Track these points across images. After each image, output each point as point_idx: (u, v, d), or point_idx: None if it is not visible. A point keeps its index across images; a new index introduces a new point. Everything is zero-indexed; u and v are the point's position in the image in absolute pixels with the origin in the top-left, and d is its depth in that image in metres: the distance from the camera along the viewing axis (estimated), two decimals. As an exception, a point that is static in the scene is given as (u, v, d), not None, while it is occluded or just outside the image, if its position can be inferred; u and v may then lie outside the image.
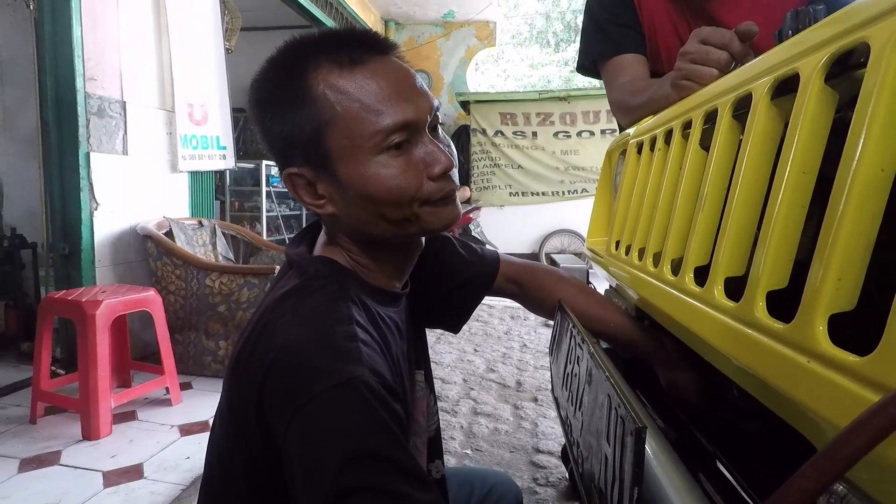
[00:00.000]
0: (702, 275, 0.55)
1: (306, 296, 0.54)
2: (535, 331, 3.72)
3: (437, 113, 0.57)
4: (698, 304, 0.52)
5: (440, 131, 0.59)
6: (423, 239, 0.65)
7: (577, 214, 5.76)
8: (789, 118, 0.43)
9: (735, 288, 0.48)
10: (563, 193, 6.05)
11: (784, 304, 0.41)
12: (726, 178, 0.54)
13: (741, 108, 0.54)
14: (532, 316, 4.13)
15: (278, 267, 2.47)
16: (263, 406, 0.48)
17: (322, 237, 0.64)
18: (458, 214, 0.59)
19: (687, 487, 0.38)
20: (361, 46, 0.54)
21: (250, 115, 0.59)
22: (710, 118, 0.61)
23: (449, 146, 0.58)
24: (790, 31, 0.53)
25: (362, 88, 0.52)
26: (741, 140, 0.52)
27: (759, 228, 0.45)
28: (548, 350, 0.94)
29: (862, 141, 0.33)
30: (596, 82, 1.35)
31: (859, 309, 0.34)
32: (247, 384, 0.50)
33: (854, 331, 0.36)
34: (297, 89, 0.54)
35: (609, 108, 1.24)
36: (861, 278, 0.33)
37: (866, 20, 0.35)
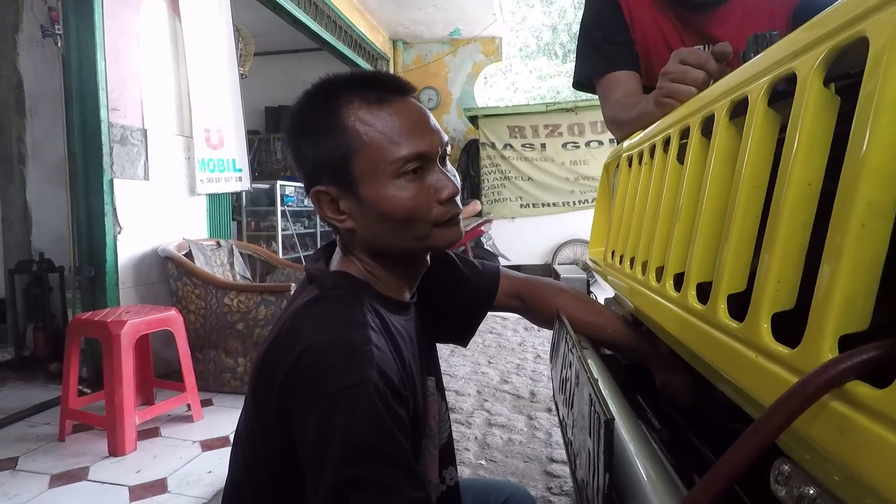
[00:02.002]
0: (680, 282, 0.59)
1: (326, 304, 0.62)
2: (549, 342, 3.73)
3: (447, 147, 0.67)
4: (675, 309, 0.57)
5: (448, 163, 0.68)
6: (428, 257, 0.73)
7: (589, 224, 5.74)
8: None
9: (706, 294, 0.52)
10: (574, 203, 6.08)
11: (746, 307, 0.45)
12: (698, 191, 0.59)
13: (709, 126, 0.58)
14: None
15: (293, 284, 2.54)
16: (285, 397, 0.55)
17: (338, 252, 0.72)
18: (461, 234, 0.69)
19: (656, 472, 0.42)
20: (386, 88, 0.64)
21: (285, 139, 0.69)
22: (685, 134, 0.65)
23: (454, 175, 0.67)
24: (752, 54, 0.57)
25: (386, 123, 0.62)
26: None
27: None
28: (549, 358, 0.98)
29: (792, 159, 0.37)
30: None
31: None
32: (271, 379, 0.57)
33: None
34: (330, 120, 0.63)
35: None
36: (796, 280, 0.37)
37: (795, 52, 0.40)
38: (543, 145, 6.04)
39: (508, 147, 6.10)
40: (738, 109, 0.51)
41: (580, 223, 5.96)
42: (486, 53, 6.63)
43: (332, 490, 0.48)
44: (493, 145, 6.13)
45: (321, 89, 0.66)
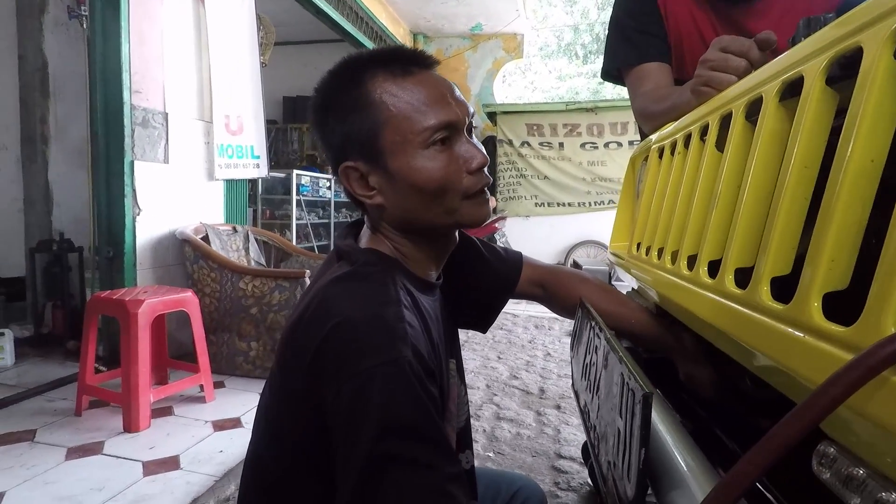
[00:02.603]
0: (714, 269, 0.58)
1: (359, 280, 0.61)
2: (560, 340, 3.72)
3: (473, 119, 0.66)
4: (710, 295, 0.56)
5: (474, 135, 0.67)
6: (456, 235, 0.72)
7: (604, 226, 5.72)
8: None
9: (744, 279, 0.51)
10: (590, 205, 6.04)
11: (787, 293, 0.44)
12: (739, 177, 0.58)
13: (754, 111, 0.57)
14: (556, 326, 4.12)
15: (308, 271, 2.55)
16: (315, 370, 0.54)
17: (366, 230, 0.71)
18: (489, 215, 0.68)
19: (688, 449, 0.42)
20: (410, 61, 0.64)
21: (312, 118, 0.68)
22: (726, 122, 0.64)
23: (482, 145, 0.66)
24: (802, 38, 0.56)
25: (412, 93, 0.61)
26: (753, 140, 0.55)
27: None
28: (570, 347, 0.97)
29: (854, 135, 0.36)
30: (623, 93, 1.38)
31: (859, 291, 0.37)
32: (300, 352, 0.57)
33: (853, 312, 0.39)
34: (357, 95, 0.62)
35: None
36: (852, 259, 0.36)
37: (860, 26, 0.39)
38: (562, 144, 6.00)
39: (526, 145, 6.08)
40: (787, 93, 0.50)
41: (595, 224, 5.92)
42: (508, 50, 6.60)
43: (366, 465, 0.48)
44: (510, 142, 6.11)
45: (345, 67, 0.65)
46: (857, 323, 0.32)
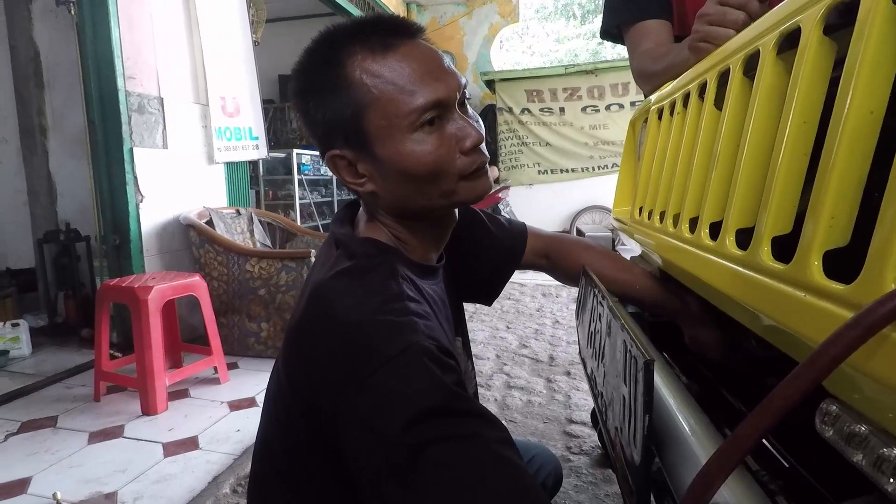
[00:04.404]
0: (715, 231, 0.57)
1: (359, 276, 0.58)
2: (568, 307, 3.73)
3: (465, 90, 0.61)
4: (712, 257, 0.55)
5: (468, 107, 0.62)
6: (456, 212, 0.69)
7: (608, 190, 5.64)
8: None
9: (745, 241, 0.50)
10: (593, 169, 5.97)
11: (788, 254, 0.44)
12: (739, 135, 0.56)
13: (752, 67, 0.55)
14: (563, 293, 4.13)
15: (313, 251, 2.56)
16: (321, 376, 0.52)
17: (363, 215, 0.68)
18: (490, 186, 0.63)
19: (692, 413, 0.42)
20: (391, 32, 0.58)
21: (293, 103, 0.64)
22: (725, 79, 0.62)
23: (477, 121, 0.62)
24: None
25: (395, 71, 0.56)
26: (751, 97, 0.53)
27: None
28: (575, 315, 0.97)
29: (853, 85, 0.35)
30: (624, 53, 1.34)
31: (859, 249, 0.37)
32: (308, 356, 0.54)
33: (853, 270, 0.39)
34: (335, 77, 0.57)
35: None
36: (853, 216, 0.35)
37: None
38: (562, 109, 5.90)
39: (526, 112, 5.98)
40: (786, 45, 0.48)
41: (600, 189, 5.87)
42: (503, 14, 6.44)
43: (405, 460, 0.44)
44: (510, 110, 6.01)
45: (322, 44, 0.60)
46: (857, 280, 0.32)
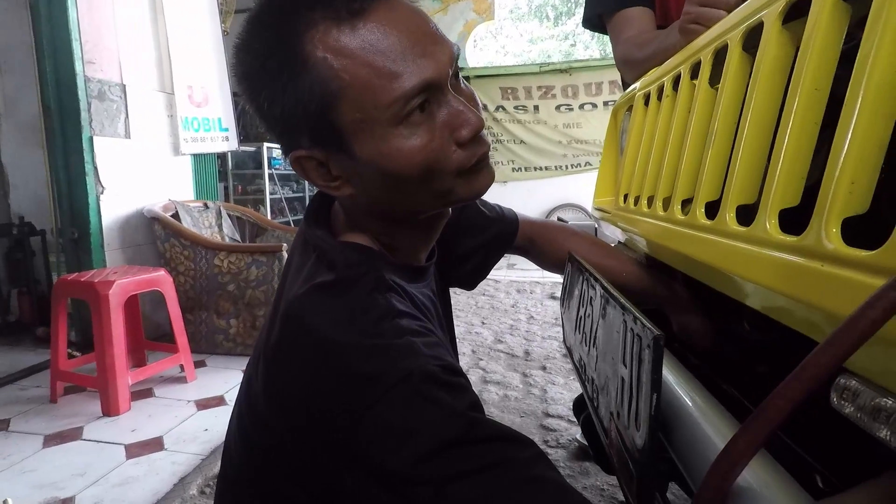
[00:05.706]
0: (710, 210, 0.56)
1: (341, 293, 0.49)
2: (542, 303, 3.74)
3: (458, 60, 0.50)
4: (710, 236, 0.53)
5: (462, 81, 0.51)
6: (450, 209, 0.60)
7: (581, 189, 5.73)
8: (800, 43, 0.44)
9: (744, 217, 0.49)
10: (567, 168, 6.02)
11: (794, 226, 0.42)
12: (738, 111, 0.55)
13: (750, 43, 0.54)
14: (538, 289, 4.15)
15: (285, 245, 2.49)
16: (304, 409, 0.45)
17: (339, 214, 0.59)
18: (493, 176, 0.53)
19: (697, 391, 0.40)
20: None
21: (239, 90, 0.51)
22: (719, 57, 0.61)
23: (473, 99, 0.51)
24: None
25: (370, 47, 0.44)
26: (752, 71, 0.52)
27: (771, 154, 0.45)
28: (559, 302, 0.96)
29: (876, 44, 0.33)
30: (596, 53, 1.33)
31: (875, 217, 0.35)
32: (289, 385, 0.47)
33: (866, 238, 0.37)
34: (291, 57, 0.45)
35: (611, 79, 1.23)
36: (873, 180, 0.34)
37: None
38: (536, 107, 5.93)
39: (501, 109, 5.99)
40: (791, 15, 0.47)
41: (572, 188, 5.91)
42: (479, 11, 6.42)
43: (428, 495, 0.39)
44: (484, 107, 6.00)
45: (270, 11, 0.47)
46: (886, 244, 0.30)
